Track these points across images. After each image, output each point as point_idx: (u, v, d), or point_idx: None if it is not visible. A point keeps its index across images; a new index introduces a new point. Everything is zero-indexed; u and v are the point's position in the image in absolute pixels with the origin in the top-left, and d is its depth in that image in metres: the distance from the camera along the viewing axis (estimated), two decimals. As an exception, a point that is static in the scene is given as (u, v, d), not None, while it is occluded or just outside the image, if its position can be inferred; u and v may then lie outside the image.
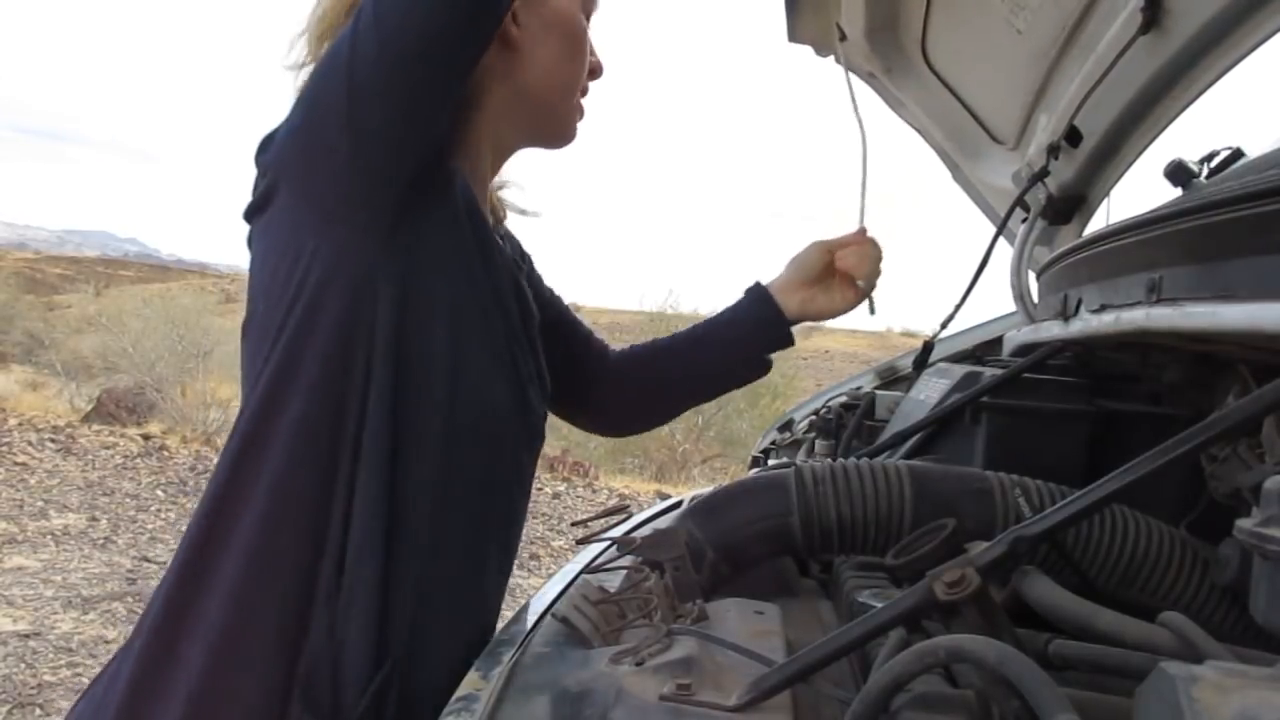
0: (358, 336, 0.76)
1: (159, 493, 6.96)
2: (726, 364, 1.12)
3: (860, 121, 1.35)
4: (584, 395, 1.11)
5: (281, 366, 0.77)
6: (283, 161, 0.79)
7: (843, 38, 1.62)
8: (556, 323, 1.07)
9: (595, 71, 0.96)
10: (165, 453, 7.96)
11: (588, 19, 0.94)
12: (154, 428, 8.59)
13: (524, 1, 0.87)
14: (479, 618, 0.87)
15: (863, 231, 1.11)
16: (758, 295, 1.10)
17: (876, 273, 1.10)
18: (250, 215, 0.83)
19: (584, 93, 0.96)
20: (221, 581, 0.76)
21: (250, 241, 0.83)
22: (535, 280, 1.05)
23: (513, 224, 1.04)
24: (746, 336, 1.10)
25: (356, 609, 0.76)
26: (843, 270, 1.09)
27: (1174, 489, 0.83)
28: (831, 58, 1.66)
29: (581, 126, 0.97)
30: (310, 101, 0.78)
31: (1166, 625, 0.54)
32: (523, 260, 1.03)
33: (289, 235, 0.78)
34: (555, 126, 0.96)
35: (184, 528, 0.81)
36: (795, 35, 1.69)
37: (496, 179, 0.98)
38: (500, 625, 0.80)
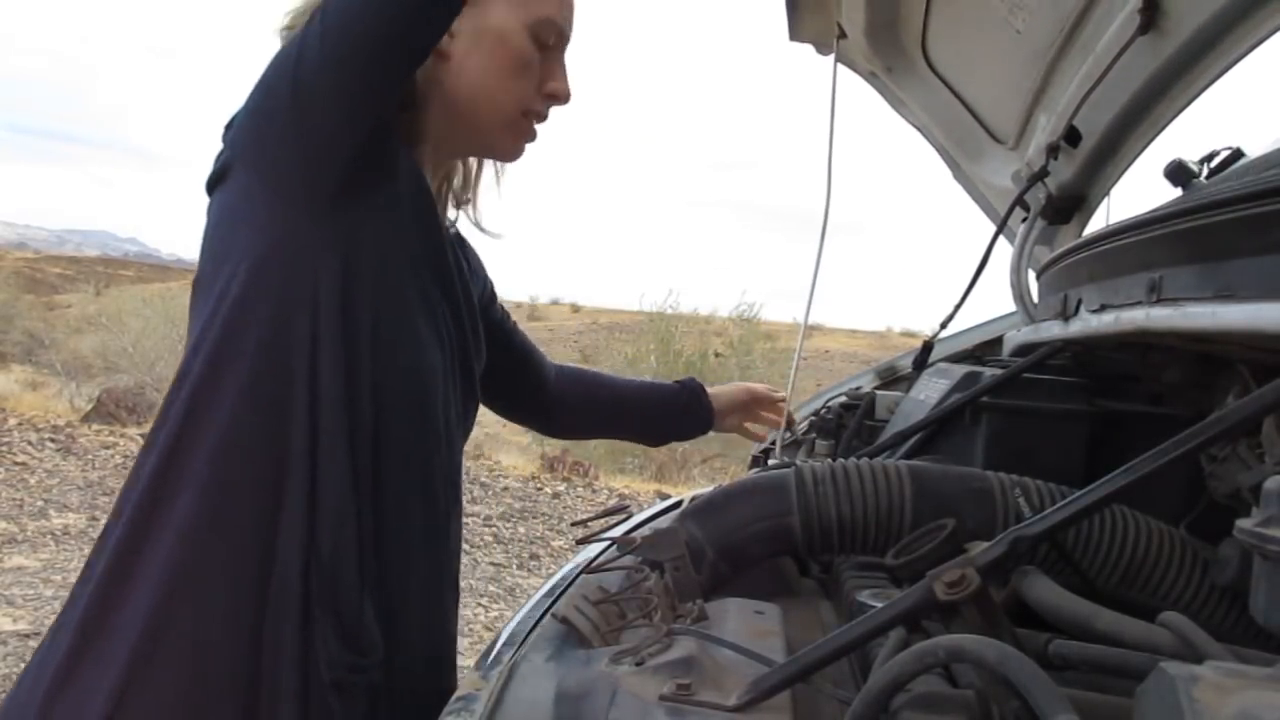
0: (301, 303, 0.82)
1: (159, 493, 6.95)
2: (643, 429, 1.40)
3: (830, 151, 1.43)
4: (526, 397, 1.26)
5: (228, 329, 0.82)
6: (239, 140, 0.86)
7: (843, 36, 1.62)
8: (499, 325, 1.17)
9: (556, 97, 0.97)
10: (165, 453, 7.96)
11: (546, 45, 0.95)
12: (154, 428, 8.58)
13: (462, 13, 0.86)
14: (439, 564, 0.94)
15: (786, 411, 1.42)
16: (695, 395, 1.35)
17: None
18: (211, 187, 0.89)
19: (539, 117, 0.98)
20: (173, 527, 0.80)
21: (209, 211, 0.89)
22: (489, 291, 1.15)
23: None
24: (676, 425, 1.37)
25: (343, 567, 0.82)
26: (751, 424, 1.44)
27: (1174, 489, 0.82)
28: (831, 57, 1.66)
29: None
30: (264, 89, 0.84)
31: (1166, 625, 0.54)
32: (464, 253, 1.09)
33: (240, 205, 0.85)
34: (486, 139, 0.98)
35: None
36: (796, 34, 1.69)
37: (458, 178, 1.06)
38: (501, 625, 0.80)
